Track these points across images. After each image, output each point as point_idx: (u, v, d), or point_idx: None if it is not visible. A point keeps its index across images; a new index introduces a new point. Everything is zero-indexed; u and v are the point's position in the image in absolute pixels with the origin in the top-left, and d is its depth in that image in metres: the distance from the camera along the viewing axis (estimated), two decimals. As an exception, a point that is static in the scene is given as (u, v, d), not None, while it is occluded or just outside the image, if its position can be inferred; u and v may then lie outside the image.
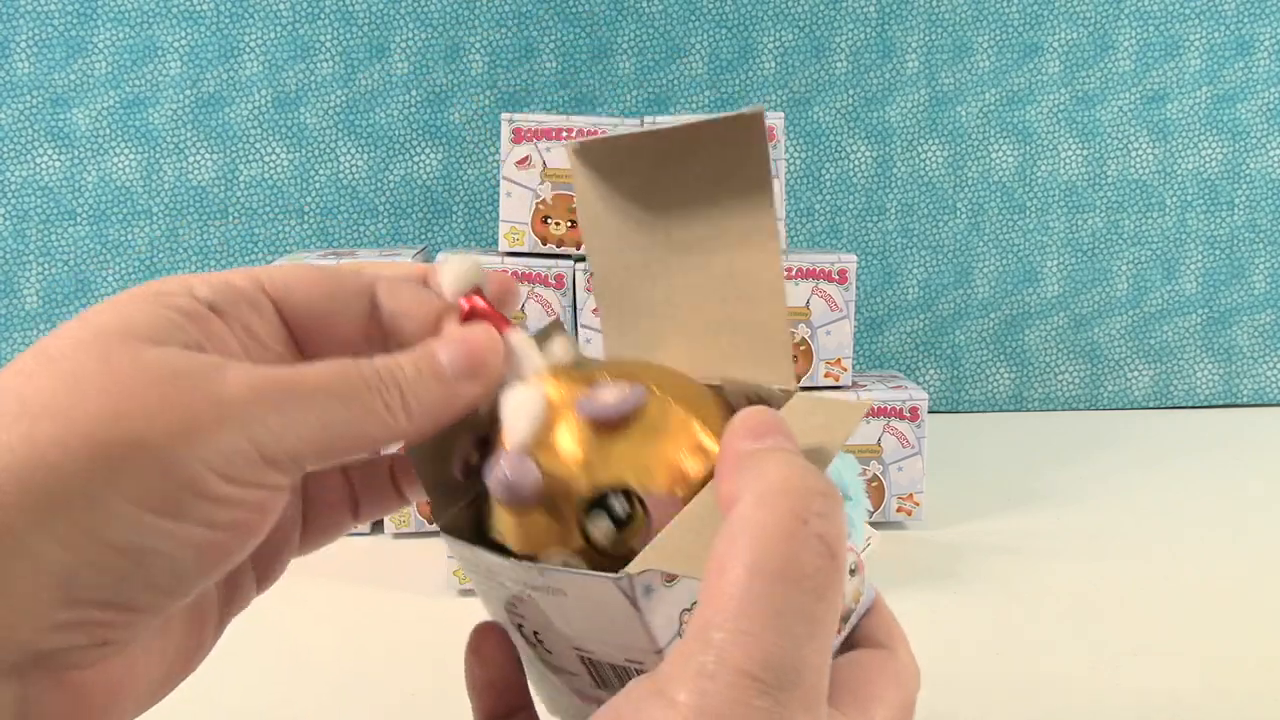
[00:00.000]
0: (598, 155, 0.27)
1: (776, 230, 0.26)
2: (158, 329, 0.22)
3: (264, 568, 0.28)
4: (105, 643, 0.21)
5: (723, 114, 0.25)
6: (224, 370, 0.21)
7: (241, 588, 0.27)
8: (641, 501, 0.23)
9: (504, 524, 0.25)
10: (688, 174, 0.26)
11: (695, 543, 0.21)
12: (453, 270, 0.26)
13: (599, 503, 0.24)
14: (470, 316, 0.26)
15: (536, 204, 0.73)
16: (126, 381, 0.20)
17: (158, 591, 0.21)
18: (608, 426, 0.24)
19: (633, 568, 0.21)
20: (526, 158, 0.73)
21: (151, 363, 0.21)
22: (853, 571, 0.27)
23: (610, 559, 0.23)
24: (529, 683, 0.28)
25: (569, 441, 0.24)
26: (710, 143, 0.25)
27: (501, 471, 0.24)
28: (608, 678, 0.24)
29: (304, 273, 0.26)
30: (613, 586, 0.21)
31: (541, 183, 0.73)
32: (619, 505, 0.23)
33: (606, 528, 0.23)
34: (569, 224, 0.74)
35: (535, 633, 0.25)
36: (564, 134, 0.73)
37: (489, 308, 0.26)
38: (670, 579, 0.22)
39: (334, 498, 0.29)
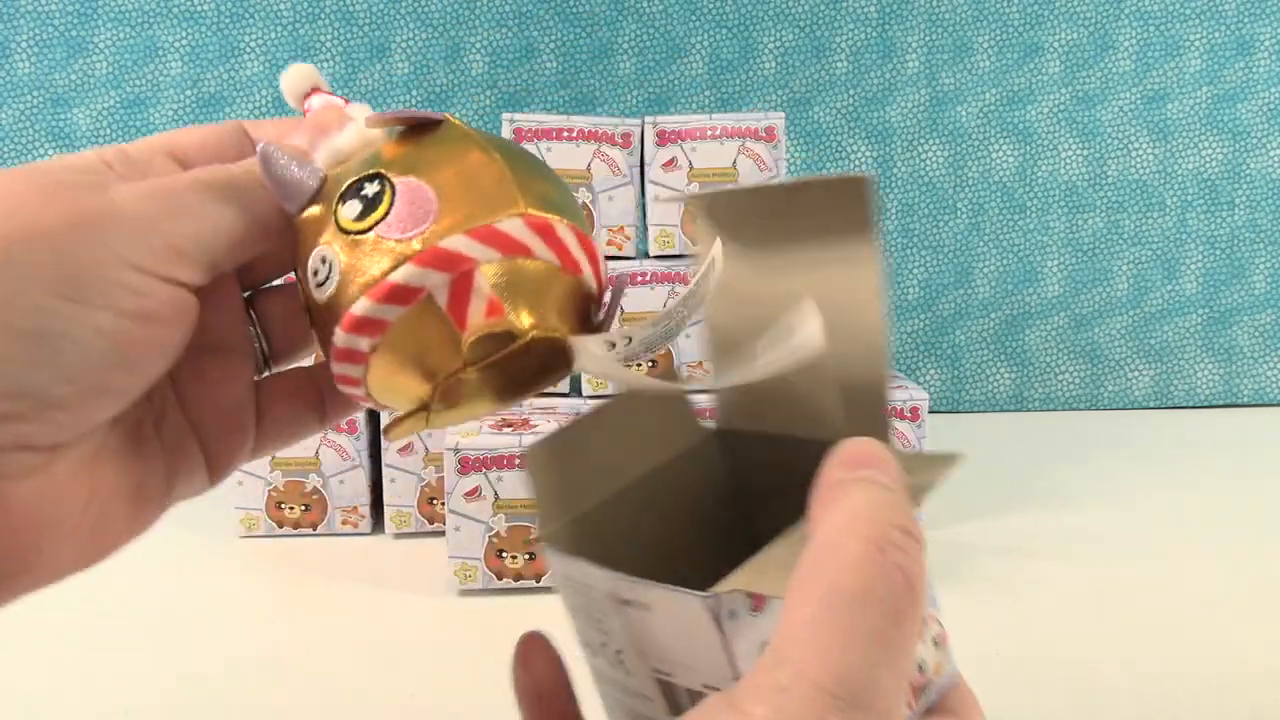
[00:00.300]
0: (720, 207, 0.28)
1: (879, 271, 0.27)
2: (56, 170, 0.23)
3: (214, 447, 0.27)
4: (26, 446, 0.21)
5: (834, 175, 0.25)
6: (115, 182, 0.23)
7: (187, 461, 0.27)
8: (391, 185, 0.23)
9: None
10: (798, 226, 0.27)
11: (782, 566, 0.21)
12: (289, 78, 0.28)
13: (354, 189, 0.24)
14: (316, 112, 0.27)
15: (537, 204, 0.73)
16: (20, 189, 0.21)
17: (71, 382, 0.21)
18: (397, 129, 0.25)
19: (721, 587, 0.21)
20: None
21: (45, 174, 0.22)
22: (937, 643, 0.28)
23: (360, 243, 0.23)
24: (604, 710, 0.28)
25: (351, 143, 0.26)
26: (821, 199, 0.26)
27: (289, 168, 0.25)
28: (683, 704, 0.24)
29: (196, 134, 0.27)
30: (699, 605, 0.21)
31: (542, 183, 0.73)
32: (369, 188, 0.24)
33: (354, 207, 0.23)
34: (569, 224, 0.74)
35: (618, 651, 0.25)
36: (564, 134, 0.73)
37: (329, 95, 0.28)
38: (758, 607, 0.22)
39: (294, 387, 0.29)
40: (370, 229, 0.23)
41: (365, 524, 0.74)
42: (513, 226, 0.23)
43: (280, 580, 0.66)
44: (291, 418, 0.29)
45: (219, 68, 1.03)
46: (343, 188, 0.24)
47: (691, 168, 0.73)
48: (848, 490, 0.21)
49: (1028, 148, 1.08)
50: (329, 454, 0.73)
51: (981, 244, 1.10)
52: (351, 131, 0.26)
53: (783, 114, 0.73)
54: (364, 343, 0.23)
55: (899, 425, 0.74)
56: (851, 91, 1.07)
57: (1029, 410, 1.11)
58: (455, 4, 1.03)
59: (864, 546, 0.19)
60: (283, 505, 0.73)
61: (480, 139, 0.25)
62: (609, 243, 0.74)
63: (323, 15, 1.03)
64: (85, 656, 0.55)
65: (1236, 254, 1.10)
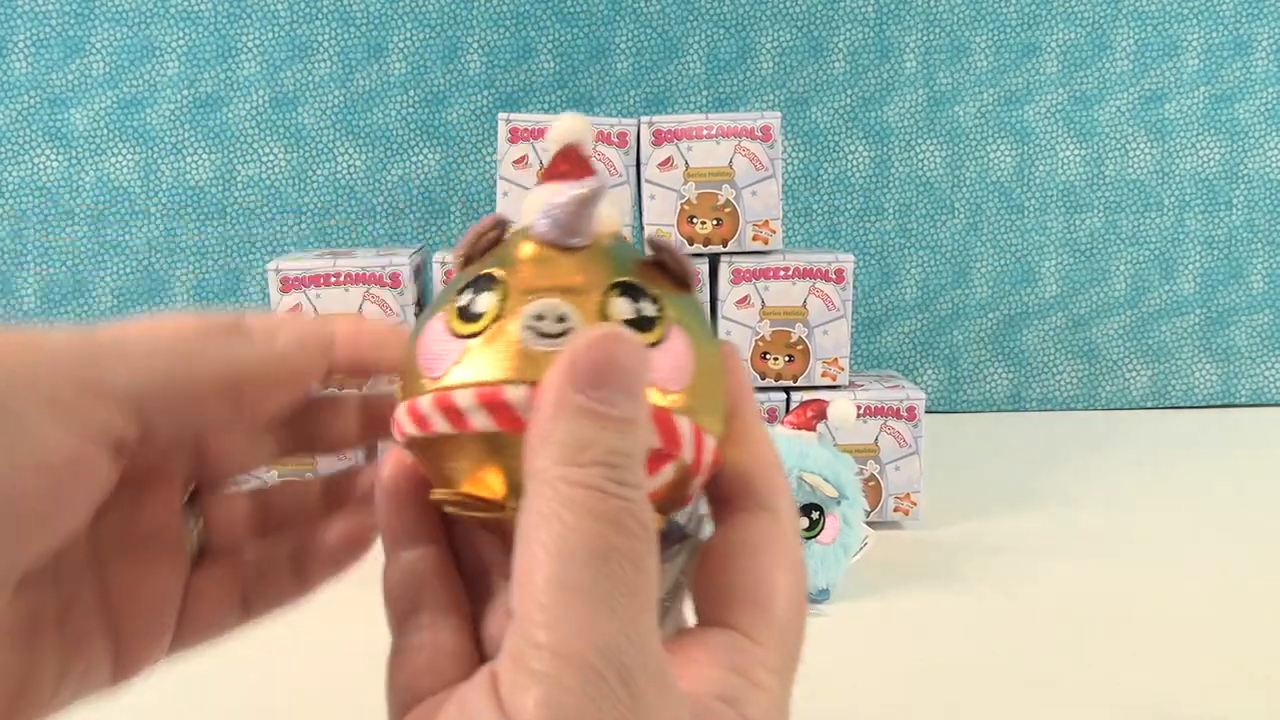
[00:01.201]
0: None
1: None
2: None
3: (128, 645, 0.24)
4: None
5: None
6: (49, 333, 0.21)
7: (87, 660, 0.23)
8: (667, 324, 0.22)
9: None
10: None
11: None
12: (563, 124, 0.26)
13: (627, 289, 0.22)
14: (559, 162, 0.25)
15: (534, 204, 0.73)
16: None
17: None
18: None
19: None
20: (524, 157, 0.73)
21: None
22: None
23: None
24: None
25: (604, 221, 0.24)
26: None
27: (570, 204, 0.23)
28: None
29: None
30: None
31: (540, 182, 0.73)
32: (647, 305, 0.22)
33: (624, 308, 0.22)
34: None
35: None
36: (561, 134, 0.73)
37: (578, 158, 0.25)
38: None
39: (217, 588, 0.26)
40: None
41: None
42: (710, 444, 0.23)
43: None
44: (215, 619, 0.26)
45: (216, 68, 1.02)
46: (605, 273, 0.22)
47: (688, 167, 0.73)
48: (567, 425, 0.19)
49: (1025, 148, 1.08)
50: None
51: (979, 244, 1.09)
52: (613, 216, 0.24)
53: (779, 114, 0.73)
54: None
55: (896, 425, 0.74)
56: (849, 91, 1.07)
57: (1026, 410, 1.11)
58: (452, 4, 1.03)
59: (592, 496, 0.18)
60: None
61: (709, 331, 0.24)
62: (605, 242, 0.74)
63: (320, 15, 1.03)
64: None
65: (1234, 254, 1.10)
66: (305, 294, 0.72)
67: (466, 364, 0.21)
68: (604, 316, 0.22)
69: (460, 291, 0.23)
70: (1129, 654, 0.55)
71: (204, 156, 1.03)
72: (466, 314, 0.22)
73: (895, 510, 0.75)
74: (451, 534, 0.26)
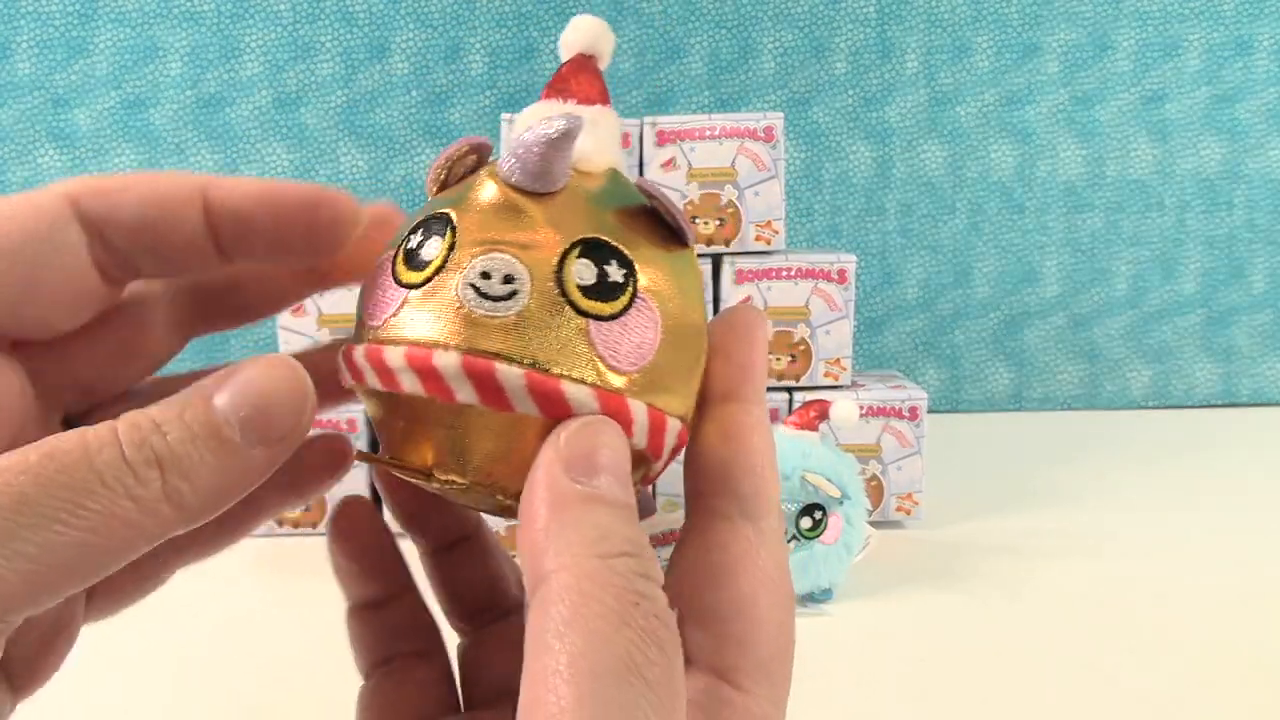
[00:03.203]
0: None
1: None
2: None
3: (21, 667, 0.21)
4: None
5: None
6: None
7: None
8: (635, 291, 0.20)
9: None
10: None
11: None
12: (577, 28, 0.22)
13: (596, 248, 0.20)
14: (564, 76, 0.22)
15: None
16: None
17: None
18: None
19: None
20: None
21: None
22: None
23: (562, 310, 0.19)
24: None
25: (594, 160, 0.21)
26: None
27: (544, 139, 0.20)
28: None
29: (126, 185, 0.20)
30: None
31: (542, 183, 0.73)
32: (614, 270, 0.20)
33: (587, 271, 0.19)
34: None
35: None
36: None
37: (595, 70, 0.22)
38: None
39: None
40: (588, 315, 0.19)
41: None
42: (672, 429, 0.20)
43: (280, 579, 0.66)
44: (137, 578, 0.23)
45: (219, 68, 1.03)
46: (576, 225, 0.20)
47: (690, 168, 0.73)
48: (577, 516, 0.17)
49: (1026, 148, 1.08)
50: (329, 453, 0.73)
51: (980, 244, 1.10)
52: (601, 152, 0.21)
53: (782, 114, 0.74)
54: (466, 393, 0.19)
55: (898, 425, 0.74)
56: (850, 92, 1.07)
57: (1027, 410, 1.11)
58: (455, 4, 1.04)
59: (616, 602, 0.16)
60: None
61: (701, 302, 0.22)
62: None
63: (323, 15, 1.03)
64: (81, 656, 0.55)
65: (1235, 254, 1.10)
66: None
67: (403, 317, 0.19)
68: (560, 281, 0.19)
69: (414, 230, 0.20)
70: (1129, 653, 0.55)
71: (207, 157, 1.04)
72: (412, 259, 0.20)
73: (897, 510, 0.75)
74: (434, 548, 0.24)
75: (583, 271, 0.19)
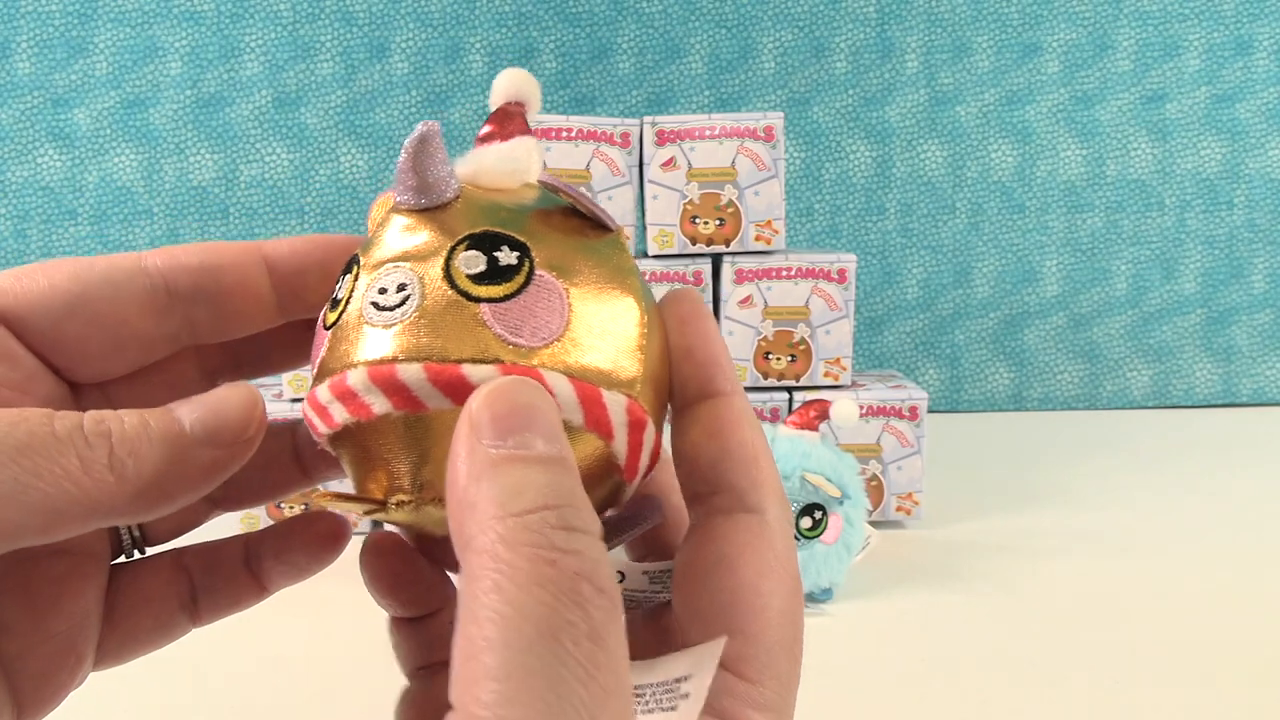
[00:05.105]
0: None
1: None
2: None
3: (31, 684, 0.21)
4: None
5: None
6: None
7: None
8: (532, 270, 0.19)
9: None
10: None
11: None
12: (501, 80, 0.23)
13: (487, 240, 0.20)
14: (488, 123, 0.23)
15: (536, 204, 0.73)
16: None
17: None
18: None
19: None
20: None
21: None
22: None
23: (460, 306, 0.19)
24: None
25: (499, 176, 0.22)
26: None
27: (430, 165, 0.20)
28: None
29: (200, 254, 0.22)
30: None
31: (541, 183, 0.73)
32: (505, 254, 0.19)
33: (475, 261, 0.19)
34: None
35: None
36: (563, 134, 0.73)
37: (517, 114, 0.23)
38: None
39: (153, 592, 0.23)
40: (479, 300, 0.19)
41: (364, 523, 0.74)
42: (614, 403, 0.19)
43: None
44: (155, 624, 0.23)
45: (219, 68, 1.03)
46: (469, 228, 0.20)
47: (690, 167, 0.73)
48: (491, 477, 0.16)
49: (1027, 148, 1.08)
50: (329, 453, 0.73)
51: (980, 244, 1.10)
52: (503, 163, 0.22)
53: (782, 114, 0.74)
54: (380, 403, 0.19)
55: (898, 425, 0.74)
56: (850, 91, 1.07)
57: (1028, 410, 1.11)
58: (455, 4, 1.04)
59: (532, 564, 0.15)
60: (282, 504, 0.73)
61: (640, 282, 0.21)
62: (608, 242, 0.74)
63: (322, 15, 1.03)
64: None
65: (1235, 254, 1.10)
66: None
67: (325, 355, 0.20)
68: (449, 275, 0.19)
69: (338, 280, 0.21)
70: (1129, 653, 0.55)
71: (206, 157, 1.04)
72: (333, 304, 0.21)
73: (897, 510, 0.75)
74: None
75: (471, 261, 0.19)
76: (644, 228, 0.76)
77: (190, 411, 0.20)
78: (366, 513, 0.20)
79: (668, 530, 0.24)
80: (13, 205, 1.02)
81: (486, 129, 0.23)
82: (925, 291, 1.10)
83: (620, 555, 0.25)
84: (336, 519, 0.24)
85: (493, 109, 0.23)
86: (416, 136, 0.20)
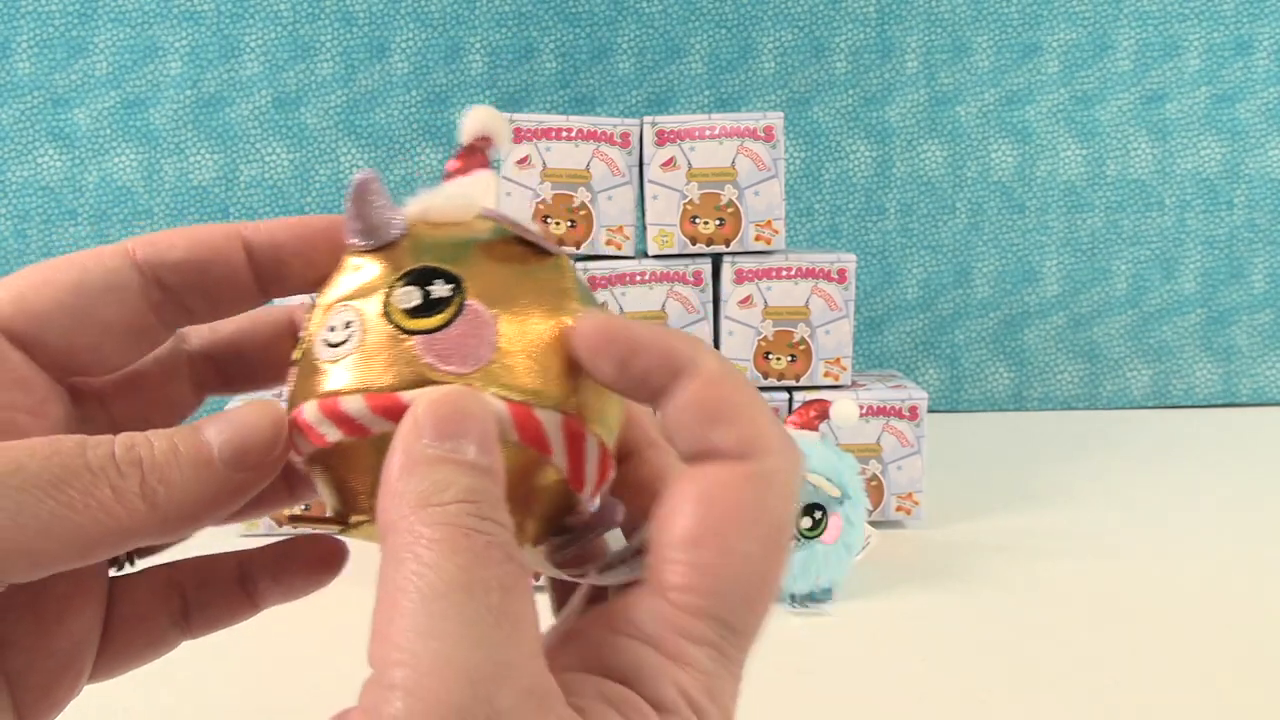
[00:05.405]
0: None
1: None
2: None
3: (31, 696, 0.21)
4: None
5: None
6: None
7: None
8: (462, 301, 0.21)
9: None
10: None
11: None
12: (470, 117, 0.24)
13: (422, 275, 0.21)
14: (454, 159, 0.24)
15: (536, 204, 0.73)
16: None
17: None
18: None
19: None
20: (526, 157, 0.73)
21: None
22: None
23: (395, 340, 0.21)
24: None
25: (447, 212, 0.23)
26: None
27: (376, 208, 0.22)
28: None
29: (184, 238, 0.23)
30: None
31: (541, 182, 0.73)
32: (438, 288, 0.21)
33: (411, 296, 0.21)
34: (569, 224, 0.74)
35: None
36: (563, 134, 0.73)
37: (480, 149, 0.24)
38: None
39: (147, 607, 0.23)
40: (413, 333, 0.20)
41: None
42: (549, 419, 0.20)
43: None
44: (149, 640, 0.23)
45: (219, 68, 1.03)
46: (411, 264, 0.21)
47: (690, 167, 0.73)
48: (422, 472, 0.17)
49: (1027, 147, 1.08)
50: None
51: (980, 244, 1.10)
52: (453, 199, 0.23)
53: (781, 114, 0.74)
54: (332, 432, 0.20)
55: (898, 425, 0.74)
56: (850, 91, 1.07)
57: (1028, 410, 1.11)
58: (455, 4, 1.04)
59: (449, 533, 0.16)
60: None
61: (582, 302, 0.22)
62: (608, 243, 0.74)
63: (322, 15, 1.03)
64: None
65: (1235, 254, 1.10)
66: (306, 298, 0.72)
67: (292, 390, 0.22)
68: (387, 312, 0.21)
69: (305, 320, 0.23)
70: (1129, 653, 0.55)
71: (206, 157, 1.04)
72: (297, 340, 0.22)
73: (897, 510, 0.75)
74: None
75: (406, 297, 0.21)
76: (644, 228, 0.76)
77: (218, 433, 0.20)
78: (333, 533, 0.22)
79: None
80: (13, 205, 1.02)
81: (453, 165, 0.24)
82: (925, 291, 1.10)
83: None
84: (335, 541, 0.25)
85: (462, 145, 0.25)
86: (354, 185, 0.22)
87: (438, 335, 0.20)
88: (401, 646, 0.15)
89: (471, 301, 0.21)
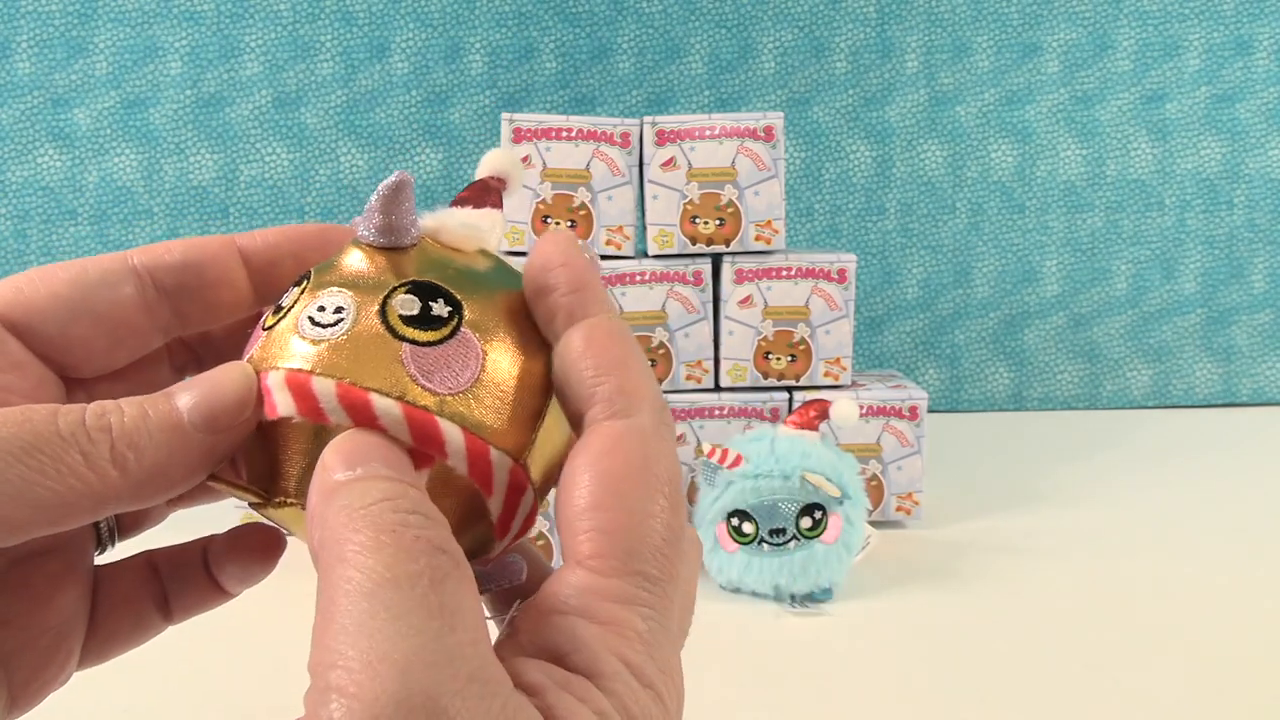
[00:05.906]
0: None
1: None
2: None
3: (22, 676, 0.22)
4: None
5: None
6: None
7: None
8: (459, 326, 0.21)
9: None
10: None
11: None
12: (491, 157, 0.25)
13: (425, 289, 0.22)
14: (466, 189, 0.25)
15: (536, 203, 0.73)
16: None
17: None
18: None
19: None
20: (526, 157, 0.73)
21: None
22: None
23: (385, 341, 0.21)
24: None
25: (458, 236, 0.23)
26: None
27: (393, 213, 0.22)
28: None
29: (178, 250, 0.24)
30: None
31: (542, 182, 0.73)
32: (438, 305, 0.21)
33: (411, 305, 0.21)
34: (569, 223, 0.74)
35: None
36: (563, 133, 0.73)
37: (495, 188, 0.25)
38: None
39: (130, 591, 0.24)
40: (404, 340, 0.21)
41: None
42: (500, 463, 0.21)
43: (280, 578, 0.66)
44: (134, 623, 0.24)
45: (219, 68, 1.03)
46: (416, 275, 0.22)
47: (690, 167, 0.73)
48: (340, 493, 0.18)
49: (1026, 147, 1.08)
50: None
51: (980, 244, 1.10)
52: (466, 227, 0.23)
53: (781, 114, 0.74)
54: (285, 404, 0.20)
55: (898, 425, 0.74)
56: (850, 91, 1.07)
57: (1028, 410, 1.11)
58: (455, 4, 1.04)
59: (373, 534, 0.17)
60: (282, 504, 0.73)
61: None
62: (608, 242, 0.74)
63: (322, 15, 1.03)
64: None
65: (1235, 254, 1.10)
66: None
67: (257, 354, 0.22)
68: (384, 311, 0.21)
69: (289, 289, 0.23)
70: (1129, 652, 0.55)
71: (206, 156, 1.04)
72: (277, 309, 0.22)
73: (897, 509, 0.75)
74: None
75: (406, 304, 0.21)
76: (644, 228, 0.76)
77: (189, 397, 0.20)
78: (251, 504, 0.22)
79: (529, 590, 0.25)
80: (13, 205, 1.02)
81: (464, 194, 0.25)
82: (925, 291, 1.10)
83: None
84: (272, 532, 0.25)
85: (476, 179, 0.25)
86: (392, 183, 0.22)
87: (426, 350, 0.21)
88: (334, 649, 0.15)
89: (466, 329, 0.21)
